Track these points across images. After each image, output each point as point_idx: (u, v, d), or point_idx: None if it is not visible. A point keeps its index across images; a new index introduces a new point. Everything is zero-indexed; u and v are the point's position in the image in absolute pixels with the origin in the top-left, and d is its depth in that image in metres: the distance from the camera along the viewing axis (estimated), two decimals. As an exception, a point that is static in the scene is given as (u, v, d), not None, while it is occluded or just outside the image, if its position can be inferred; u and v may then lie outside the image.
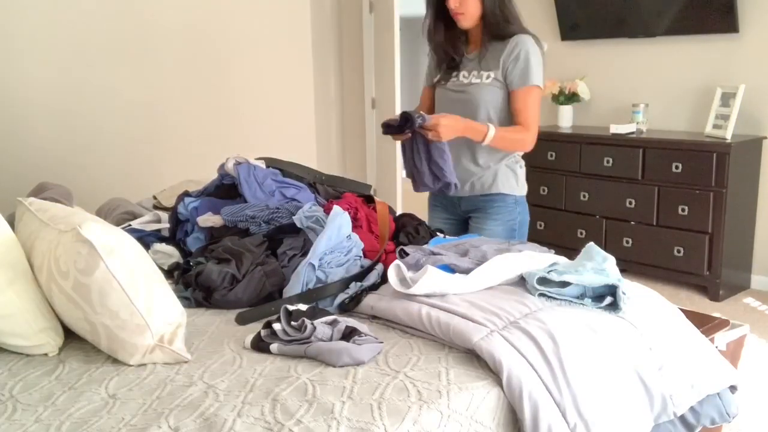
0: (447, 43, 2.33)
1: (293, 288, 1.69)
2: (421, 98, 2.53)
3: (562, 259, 1.82)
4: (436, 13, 2.30)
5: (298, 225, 1.88)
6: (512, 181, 2.36)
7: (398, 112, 4.05)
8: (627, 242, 4.09)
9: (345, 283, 1.70)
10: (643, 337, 1.57)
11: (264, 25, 4.21)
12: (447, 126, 2.08)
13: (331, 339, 1.42)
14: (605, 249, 1.84)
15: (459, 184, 2.23)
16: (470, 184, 2.35)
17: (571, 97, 4.54)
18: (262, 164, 2.23)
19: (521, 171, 2.41)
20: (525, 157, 2.43)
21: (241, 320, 1.64)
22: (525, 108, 2.22)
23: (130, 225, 2.23)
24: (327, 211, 1.99)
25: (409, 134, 2.13)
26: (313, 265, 1.70)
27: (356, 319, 1.57)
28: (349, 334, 1.43)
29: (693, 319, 1.79)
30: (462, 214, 2.43)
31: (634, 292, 1.73)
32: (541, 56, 2.25)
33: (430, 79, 2.47)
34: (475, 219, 2.38)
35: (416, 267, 1.68)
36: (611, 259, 1.77)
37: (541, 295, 1.63)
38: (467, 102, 2.28)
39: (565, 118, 4.60)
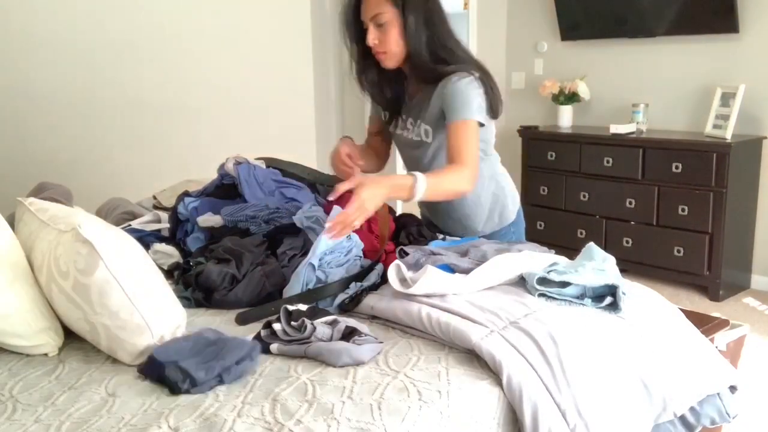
0: (382, 84, 2.03)
1: (293, 288, 1.69)
2: (369, 129, 2.27)
3: (562, 259, 1.81)
4: (362, 51, 1.98)
5: (298, 225, 1.88)
6: (503, 214, 2.14)
7: None
8: (627, 242, 4.09)
9: (345, 283, 1.70)
10: (643, 337, 1.57)
11: (264, 25, 4.21)
12: (369, 195, 1.66)
13: (331, 339, 1.42)
14: (605, 249, 1.83)
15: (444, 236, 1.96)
16: (464, 228, 2.14)
17: (571, 97, 4.54)
18: (262, 164, 2.23)
19: (504, 180, 2.15)
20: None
21: (241, 320, 1.64)
22: (458, 143, 1.85)
23: (130, 225, 2.23)
24: (327, 211, 1.99)
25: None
26: (313, 265, 1.70)
27: (356, 319, 1.56)
28: (349, 334, 1.43)
29: (693, 319, 1.79)
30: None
31: (634, 292, 1.73)
32: (481, 90, 1.90)
33: (377, 109, 2.19)
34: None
35: (416, 267, 1.68)
36: (611, 259, 1.77)
37: (541, 295, 1.63)
38: (423, 156, 2.04)
39: (565, 118, 4.60)
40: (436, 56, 1.90)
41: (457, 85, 1.87)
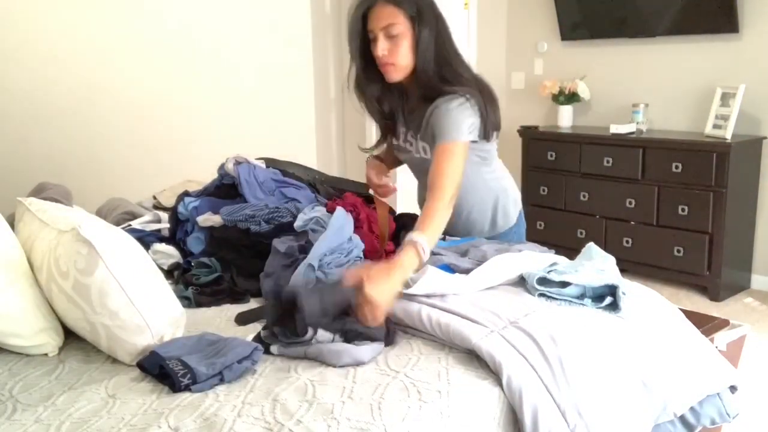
0: (381, 98, 1.99)
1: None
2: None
3: (562, 259, 1.81)
4: (365, 63, 1.94)
5: (298, 230, 1.88)
6: (507, 217, 2.11)
7: None
8: (627, 242, 4.09)
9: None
10: (643, 337, 1.57)
11: (264, 25, 4.21)
12: (380, 289, 1.48)
13: (333, 341, 1.42)
14: (605, 249, 1.84)
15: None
16: (468, 231, 2.10)
17: (571, 97, 4.54)
18: (262, 164, 2.23)
19: (506, 182, 2.12)
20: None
21: (241, 321, 1.65)
22: (438, 168, 1.80)
23: (130, 225, 2.23)
24: (330, 210, 1.99)
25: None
26: (313, 266, 1.70)
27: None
28: (348, 333, 1.43)
29: (693, 319, 1.79)
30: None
31: (634, 292, 1.73)
32: (472, 111, 1.85)
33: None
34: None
35: (416, 267, 1.67)
36: (611, 259, 1.77)
37: (541, 295, 1.63)
38: (427, 170, 1.91)
39: (565, 118, 4.60)
40: (440, 74, 1.86)
41: (443, 108, 1.84)
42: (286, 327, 1.44)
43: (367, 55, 1.91)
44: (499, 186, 2.09)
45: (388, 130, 2.10)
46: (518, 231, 2.16)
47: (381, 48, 1.84)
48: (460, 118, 1.82)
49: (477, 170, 1.99)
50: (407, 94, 2.00)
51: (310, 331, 1.42)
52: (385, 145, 2.17)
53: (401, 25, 1.83)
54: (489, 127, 1.90)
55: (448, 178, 1.79)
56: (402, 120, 2.04)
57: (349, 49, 1.96)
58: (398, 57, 1.85)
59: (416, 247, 1.62)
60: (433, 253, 1.73)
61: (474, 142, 1.89)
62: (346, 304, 1.48)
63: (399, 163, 2.18)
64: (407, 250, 1.62)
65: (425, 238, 1.65)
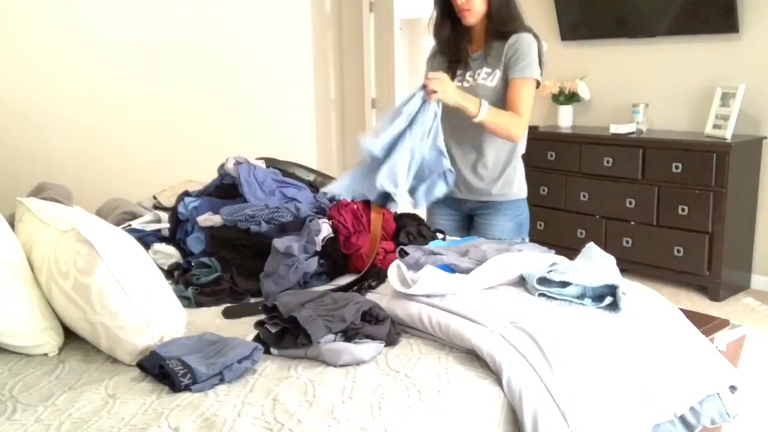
0: (452, 40, 2.33)
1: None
2: None
3: (562, 259, 1.81)
4: (443, 10, 2.31)
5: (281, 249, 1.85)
6: (515, 183, 2.39)
7: None
8: (627, 242, 4.09)
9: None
10: (643, 338, 1.57)
11: (264, 26, 4.21)
12: (450, 86, 2.10)
13: (333, 341, 1.42)
14: (605, 249, 1.84)
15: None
16: (471, 184, 2.37)
17: (571, 97, 4.54)
18: (262, 164, 2.23)
19: (521, 172, 2.43)
20: (525, 157, 2.42)
21: (229, 315, 1.69)
22: (519, 97, 2.22)
23: (130, 225, 2.23)
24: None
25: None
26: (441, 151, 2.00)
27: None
28: (346, 332, 1.43)
29: (693, 319, 1.79)
30: (467, 211, 2.44)
31: (634, 292, 1.73)
32: (539, 54, 2.26)
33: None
34: (481, 215, 2.40)
35: (416, 267, 1.68)
36: (611, 259, 1.77)
37: (541, 295, 1.63)
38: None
39: (565, 118, 4.60)
40: (510, 14, 2.25)
41: (523, 42, 2.22)
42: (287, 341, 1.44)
43: (445, 3, 2.28)
44: (516, 159, 2.40)
45: (453, 66, 2.37)
46: (526, 210, 2.43)
47: None
48: (534, 56, 2.23)
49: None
50: (471, 40, 2.33)
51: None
52: None
53: None
54: (543, 66, 2.29)
55: (526, 107, 2.24)
56: (464, 63, 2.33)
57: None
58: (474, 3, 2.21)
59: (481, 101, 2.14)
60: (433, 253, 1.74)
61: (537, 85, 2.28)
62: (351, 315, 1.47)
63: None
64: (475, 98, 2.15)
65: (489, 108, 2.15)
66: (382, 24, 4.81)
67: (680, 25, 4.04)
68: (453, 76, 2.34)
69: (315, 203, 2.14)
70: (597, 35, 4.45)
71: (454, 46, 2.33)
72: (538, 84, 2.27)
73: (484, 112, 2.14)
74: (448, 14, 2.31)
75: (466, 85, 2.31)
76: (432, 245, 1.89)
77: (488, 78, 2.27)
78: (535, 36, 2.27)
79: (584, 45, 4.57)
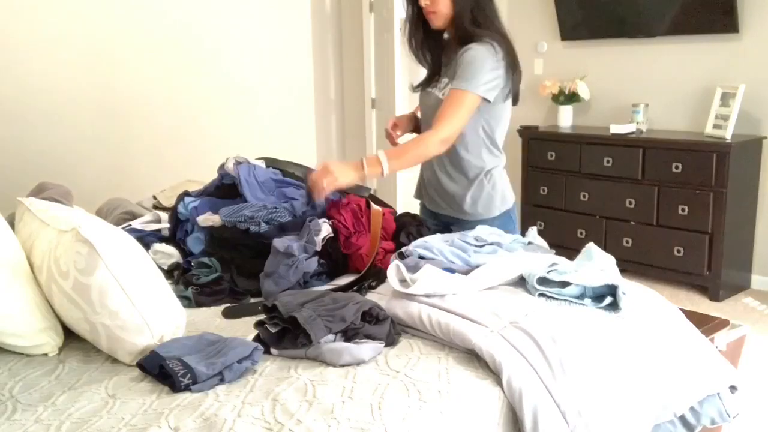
0: (425, 45, 2.21)
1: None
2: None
3: (562, 259, 1.81)
4: (414, 13, 2.18)
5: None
6: (484, 201, 2.17)
7: (398, 112, 4.07)
8: (627, 242, 4.09)
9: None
10: (643, 338, 1.57)
11: (264, 25, 4.21)
12: (337, 170, 1.88)
13: (333, 341, 1.42)
14: (605, 249, 1.84)
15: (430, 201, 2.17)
16: (449, 205, 2.22)
17: (571, 97, 4.54)
18: (262, 164, 2.23)
19: (494, 187, 2.18)
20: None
21: (229, 314, 1.69)
22: (444, 109, 2.00)
23: (130, 225, 2.23)
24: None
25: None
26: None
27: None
28: (346, 332, 1.44)
29: (693, 319, 1.79)
30: (445, 223, 2.28)
31: (634, 292, 1.73)
32: (497, 64, 2.03)
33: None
34: (458, 229, 2.27)
35: (415, 269, 1.68)
36: (611, 259, 1.77)
37: (541, 295, 1.63)
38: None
39: (565, 118, 4.60)
40: (474, 18, 2.06)
41: (471, 52, 2.02)
42: (287, 341, 1.44)
43: (416, 7, 2.13)
44: (490, 175, 2.17)
45: (433, 75, 2.25)
46: (503, 226, 2.11)
47: None
48: (482, 69, 2.01)
49: (482, 126, 2.11)
50: (444, 47, 2.19)
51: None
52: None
53: None
54: (514, 84, 2.10)
55: (451, 120, 1.99)
56: (443, 70, 2.19)
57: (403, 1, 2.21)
58: (439, 5, 2.05)
59: (377, 154, 1.93)
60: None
61: (488, 102, 2.05)
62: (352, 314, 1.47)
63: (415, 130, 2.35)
64: (372, 156, 1.94)
65: (385, 155, 1.93)
66: (382, 24, 4.81)
67: (680, 25, 4.04)
68: (428, 83, 2.23)
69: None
70: (597, 35, 4.45)
71: (428, 52, 2.21)
72: (479, 98, 2.02)
73: (385, 164, 1.92)
74: (421, 18, 2.16)
75: (437, 93, 2.16)
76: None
77: (445, 89, 2.11)
78: (504, 44, 2.06)
79: (584, 45, 4.57)
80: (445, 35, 2.21)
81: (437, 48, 2.21)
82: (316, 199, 1.95)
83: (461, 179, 2.17)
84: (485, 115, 2.09)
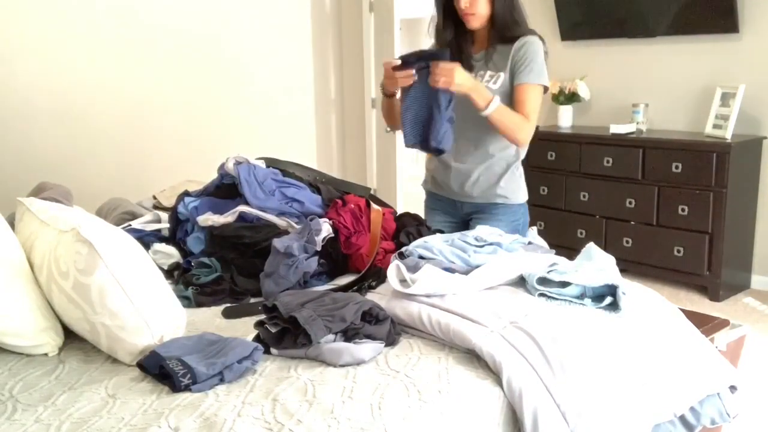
0: (454, 43, 2.29)
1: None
2: None
3: (562, 259, 1.81)
4: (446, 12, 2.27)
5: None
6: (514, 186, 2.34)
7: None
8: (627, 242, 4.09)
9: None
10: (643, 338, 1.57)
11: (264, 25, 4.21)
12: (461, 73, 2.05)
13: (333, 341, 1.42)
14: (605, 249, 1.84)
15: (449, 151, 2.18)
16: (471, 184, 2.31)
17: (571, 97, 4.54)
18: (262, 164, 2.23)
19: (521, 176, 2.38)
20: (525, 157, 2.41)
21: (228, 314, 1.69)
22: (526, 101, 2.19)
23: (130, 225, 2.23)
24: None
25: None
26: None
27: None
28: (346, 332, 1.44)
29: (693, 319, 1.79)
30: (463, 216, 2.40)
31: (634, 292, 1.73)
32: (544, 58, 2.24)
33: None
34: (477, 220, 2.35)
35: (415, 269, 1.68)
36: (611, 259, 1.77)
37: (541, 295, 1.63)
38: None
39: (565, 118, 4.60)
40: (513, 18, 2.23)
41: (533, 47, 2.20)
42: (287, 340, 1.44)
43: (447, 6, 2.24)
44: (516, 165, 2.35)
45: None
46: (524, 215, 2.40)
47: (464, 1, 2.16)
48: (543, 64, 2.21)
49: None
50: (475, 41, 2.30)
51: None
52: None
53: None
54: (548, 69, 2.25)
55: (533, 112, 2.20)
56: (466, 64, 2.24)
57: (434, 1, 2.30)
58: (478, 7, 2.18)
59: (493, 96, 2.12)
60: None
61: (545, 90, 2.24)
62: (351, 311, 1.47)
63: None
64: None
65: (499, 103, 2.12)
66: (382, 24, 4.80)
67: (680, 25, 4.04)
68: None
69: (318, 202, 2.14)
70: (597, 35, 4.45)
71: (456, 49, 2.28)
72: (546, 89, 2.25)
73: (493, 107, 2.11)
74: (450, 17, 2.26)
75: (495, 88, 2.26)
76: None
77: (491, 80, 2.23)
78: (541, 39, 2.25)
79: (584, 45, 4.57)
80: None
81: (467, 44, 2.31)
82: (431, 83, 2.04)
83: (495, 165, 2.31)
84: None
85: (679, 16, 4.02)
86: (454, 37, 2.29)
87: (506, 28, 2.22)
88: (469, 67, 2.26)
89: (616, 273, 1.70)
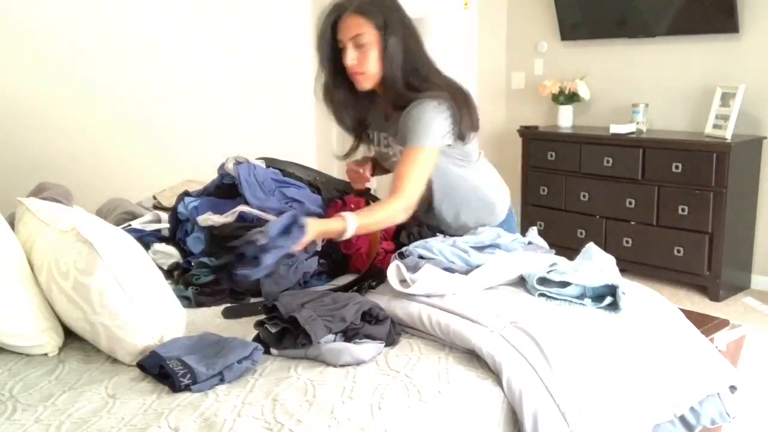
0: (348, 105, 2.01)
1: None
2: None
3: (562, 259, 1.82)
4: (334, 70, 1.94)
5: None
6: (494, 214, 2.09)
7: None
8: (627, 242, 4.09)
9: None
10: (643, 338, 1.57)
11: (264, 25, 4.21)
12: (310, 230, 1.66)
13: (333, 341, 1.42)
14: (605, 249, 1.84)
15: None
16: (456, 229, 2.08)
17: (571, 97, 4.54)
18: (262, 164, 2.23)
19: (498, 195, 2.10)
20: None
21: (229, 314, 1.69)
22: (401, 171, 1.83)
23: (130, 225, 2.23)
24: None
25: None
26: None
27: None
28: (346, 332, 1.44)
29: (693, 319, 1.79)
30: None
31: (634, 292, 1.73)
32: (445, 115, 1.85)
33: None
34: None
35: (415, 269, 1.68)
36: (611, 259, 1.77)
37: (541, 295, 1.63)
38: None
39: (565, 118, 4.60)
40: (408, 82, 1.87)
41: (413, 112, 1.85)
42: (287, 341, 1.44)
43: (336, 63, 1.91)
44: (485, 184, 2.07)
45: (358, 137, 2.11)
46: (509, 227, 2.11)
47: (350, 57, 1.85)
48: (430, 124, 1.83)
49: (459, 172, 2.00)
50: (382, 100, 2.01)
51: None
52: (359, 153, 2.18)
53: (369, 34, 1.84)
54: (463, 128, 1.89)
55: (409, 182, 1.81)
56: (378, 125, 2.05)
57: (318, 57, 1.96)
58: (367, 66, 1.86)
59: (344, 222, 1.69)
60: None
61: (449, 145, 1.91)
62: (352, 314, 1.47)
63: (386, 171, 2.18)
64: (337, 218, 1.72)
65: (356, 222, 1.70)
66: (382, 24, 4.80)
67: (680, 25, 4.04)
68: (375, 142, 2.07)
69: (319, 202, 2.14)
70: (597, 35, 4.45)
71: (354, 112, 2.02)
72: (435, 148, 1.86)
73: (352, 228, 1.70)
74: (341, 74, 1.93)
75: (390, 153, 2.02)
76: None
77: (398, 153, 1.95)
78: (455, 95, 1.87)
79: (584, 45, 4.57)
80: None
81: (369, 105, 2.04)
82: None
83: (465, 207, 2.05)
84: (455, 152, 1.96)
85: (679, 16, 4.02)
86: (352, 100, 2.00)
87: (397, 94, 1.89)
88: (385, 129, 2.02)
89: (616, 273, 1.70)
